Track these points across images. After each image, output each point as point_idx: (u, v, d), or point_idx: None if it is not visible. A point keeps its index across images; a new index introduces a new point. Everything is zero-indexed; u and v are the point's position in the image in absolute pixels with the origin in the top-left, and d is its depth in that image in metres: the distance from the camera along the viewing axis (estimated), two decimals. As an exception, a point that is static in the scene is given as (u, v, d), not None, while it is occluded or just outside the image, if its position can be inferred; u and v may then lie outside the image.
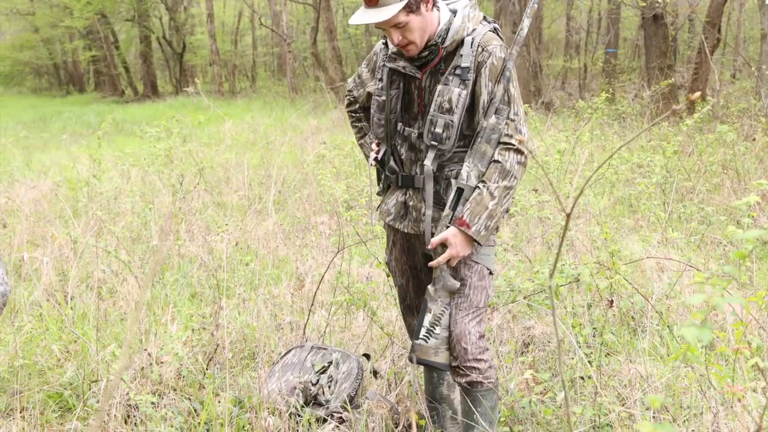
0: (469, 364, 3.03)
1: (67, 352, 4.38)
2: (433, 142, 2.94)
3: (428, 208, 3.01)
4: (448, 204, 2.93)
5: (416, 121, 3.05)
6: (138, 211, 7.15)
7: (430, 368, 3.40)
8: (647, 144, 9.06)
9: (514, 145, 2.85)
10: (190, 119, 12.54)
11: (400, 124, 3.08)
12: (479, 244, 2.91)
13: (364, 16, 2.85)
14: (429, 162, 2.97)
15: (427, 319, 3.02)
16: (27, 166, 10.75)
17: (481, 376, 3.06)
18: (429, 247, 2.97)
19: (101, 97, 35.31)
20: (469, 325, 3.02)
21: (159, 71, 39.83)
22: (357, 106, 3.44)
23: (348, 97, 3.47)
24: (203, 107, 19.74)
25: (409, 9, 2.82)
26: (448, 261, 2.95)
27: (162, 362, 4.03)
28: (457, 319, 3.01)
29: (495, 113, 2.87)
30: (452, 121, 2.90)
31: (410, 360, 3.09)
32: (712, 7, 14.02)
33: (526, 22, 2.91)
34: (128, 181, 8.73)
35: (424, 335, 3.03)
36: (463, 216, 2.86)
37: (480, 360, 3.04)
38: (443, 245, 2.94)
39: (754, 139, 8.92)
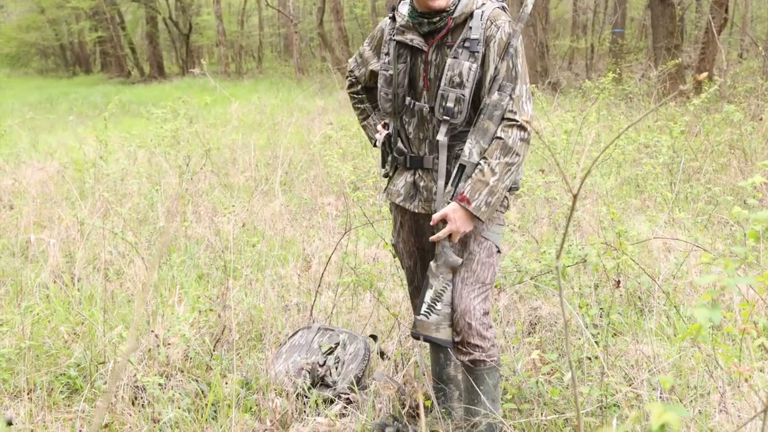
0: (472, 341, 3.03)
1: (75, 333, 4.40)
2: (445, 117, 2.94)
3: (441, 177, 3.01)
4: (450, 180, 2.93)
5: (422, 96, 3.04)
6: (145, 192, 7.15)
7: (437, 349, 3.40)
8: (654, 124, 9.01)
9: (517, 122, 2.84)
10: (197, 100, 12.51)
11: (408, 98, 3.07)
12: (480, 220, 2.91)
13: None
14: (441, 136, 2.97)
15: (429, 295, 3.03)
16: (33, 148, 10.75)
17: (484, 354, 3.06)
18: (431, 223, 2.98)
19: (107, 78, 35.26)
20: (475, 301, 3.02)
21: (165, 52, 39.75)
22: (359, 87, 3.43)
23: (349, 78, 3.45)
24: (210, 88, 19.72)
25: None
26: (450, 237, 2.95)
27: (169, 344, 4.04)
28: (463, 295, 3.01)
29: (498, 90, 2.87)
30: (463, 95, 2.89)
31: (413, 336, 3.10)
32: (720, -13, 13.91)
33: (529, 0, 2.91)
34: (135, 163, 8.72)
35: (425, 311, 3.03)
36: (464, 192, 2.87)
37: (484, 337, 3.04)
38: (444, 221, 2.94)
39: (761, 119, 8.86)
